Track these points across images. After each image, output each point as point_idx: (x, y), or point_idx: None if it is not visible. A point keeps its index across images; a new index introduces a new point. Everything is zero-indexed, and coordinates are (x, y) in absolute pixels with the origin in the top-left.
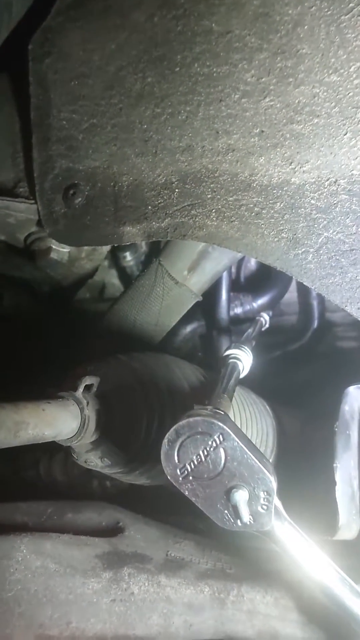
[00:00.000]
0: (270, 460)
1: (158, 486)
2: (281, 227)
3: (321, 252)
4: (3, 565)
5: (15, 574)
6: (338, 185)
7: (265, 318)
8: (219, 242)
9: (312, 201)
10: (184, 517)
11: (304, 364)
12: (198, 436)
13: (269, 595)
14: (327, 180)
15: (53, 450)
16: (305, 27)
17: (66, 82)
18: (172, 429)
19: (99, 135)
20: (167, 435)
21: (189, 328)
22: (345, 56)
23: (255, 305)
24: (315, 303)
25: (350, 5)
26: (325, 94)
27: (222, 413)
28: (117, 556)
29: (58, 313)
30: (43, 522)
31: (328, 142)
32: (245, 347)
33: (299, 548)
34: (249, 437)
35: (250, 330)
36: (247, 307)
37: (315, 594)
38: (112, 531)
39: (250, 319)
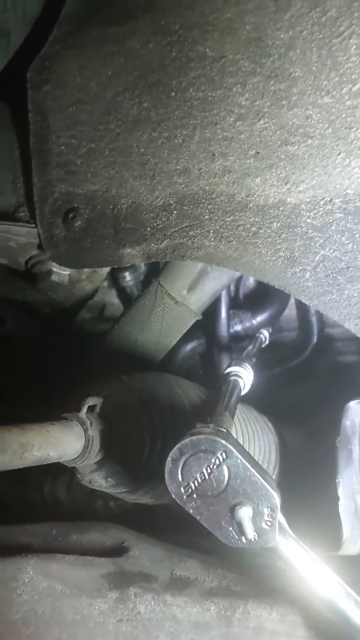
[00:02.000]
0: (273, 477)
1: (162, 505)
2: (278, 246)
3: (318, 269)
4: (10, 587)
5: (22, 596)
6: (333, 204)
7: (265, 335)
8: (218, 262)
9: (308, 220)
10: (188, 535)
11: (305, 380)
12: (201, 454)
13: (275, 612)
14: (323, 199)
15: (57, 471)
16: (297, 50)
17: (64, 109)
18: (175, 448)
19: (97, 159)
20: (170, 453)
21: (189, 346)
22: (337, 78)
23: (254, 322)
24: (314, 319)
25: (341, 29)
26: (318, 115)
27: (225, 431)
28: (123, 576)
29: (60, 334)
30: (48, 544)
31: (322, 163)
32: (246, 364)
33: (304, 564)
34: (252, 454)
35: (250, 348)
36: (247, 324)
37: (321, 609)
38: (117, 551)
39: (250, 336)
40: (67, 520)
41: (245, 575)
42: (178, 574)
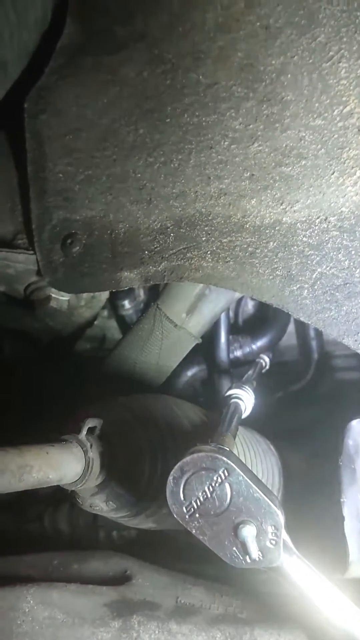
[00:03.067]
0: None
1: (165, 534)
2: (275, 265)
3: (316, 287)
4: (9, 617)
5: (22, 626)
6: (328, 222)
7: (265, 360)
8: (216, 283)
9: (304, 239)
10: (193, 563)
11: (307, 403)
12: (203, 472)
13: (282, 638)
14: (318, 218)
15: (57, 501)
16: (289, 75)
17: (61, 137)
18: (176, 466)
19: (94, 185)
20: (172, 472)
21: (190, 372)
22: (328, 101)
23: (254, 347)
24: (313, 343)
25: (330, 53)
26: (311, 137)
27: (226, 449)
28: (126, 604)
29: (58, 363)
30: (49, 574)
31: (316, 182)
32: (247, 387)
33: (311, 584)
34: None
35: (250, 372)
36: (247, 349)
37: (329, 632)
38: (120, 579)
39: (250, 361)
40: (68, 551)
41: (252, 601)
42: (183, 601)
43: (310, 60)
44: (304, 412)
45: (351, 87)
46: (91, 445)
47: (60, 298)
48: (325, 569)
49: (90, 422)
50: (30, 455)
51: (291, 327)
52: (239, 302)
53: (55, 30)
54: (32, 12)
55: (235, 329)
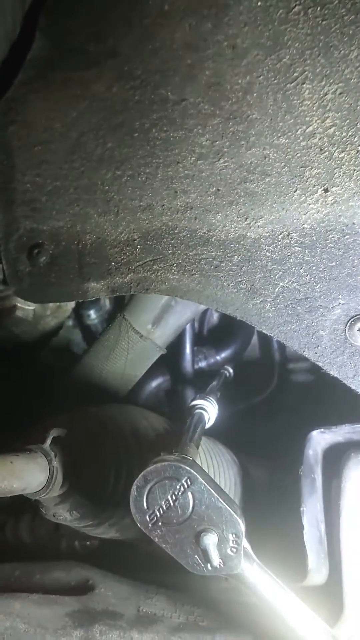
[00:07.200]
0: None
1: (128, 544)
2: (239, 279)
3: (278, 301)
4: None
5: None
6: (291, 238)
7: (229, 371)
8: (181, 295)
9: (268, 253)
10: (155, 573)
11: (269, 415)
12: (166, 481)
13: None
14: (281, 233)
15: (19, 511)
16: (255, 94)
17: (30, 148)
18: (140, 475)
19: (62, 197)
20: (135, 481)
21: (154, 383)
22: (292, 120)
23: (219, 358)
24: (276, 355)
25: (295, 74)
26: (275, 155)
27: (190, 458)
28: (88, 614)
29: (23, 370)
30: (10, 585)
31: (280, 199)
32: (211, 398)
33: (270, 590)
34: None
35: (214, 383)
36: (211, 360)
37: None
38: (82, 589)
39: (214, 372)
40: (30, 561)
41: (213, 610)
42: (145, 610)
43: (275, 81)
44: (267, 423)
45: (314, 108)
46: (55, 455)
47: (26, 307)
48: (284, 577)
49: (55, 432)
50: None
51: (255, 339)
52: (205, 313)
53: (25, 41)
54: (1, 23)
55: (200, 340)
